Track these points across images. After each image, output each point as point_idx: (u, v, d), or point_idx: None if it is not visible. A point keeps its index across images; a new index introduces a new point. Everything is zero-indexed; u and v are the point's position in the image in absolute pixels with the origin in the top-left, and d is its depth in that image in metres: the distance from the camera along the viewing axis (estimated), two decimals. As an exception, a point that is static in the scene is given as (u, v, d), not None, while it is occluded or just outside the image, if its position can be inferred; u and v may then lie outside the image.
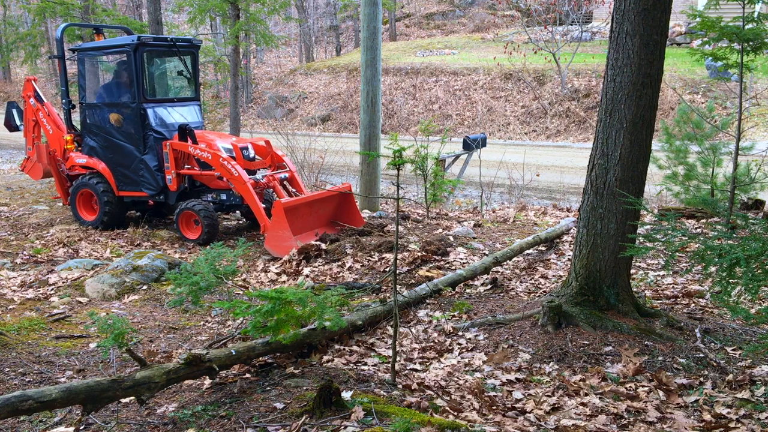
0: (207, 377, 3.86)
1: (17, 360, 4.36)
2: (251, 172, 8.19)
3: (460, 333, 4.65)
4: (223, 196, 8.38)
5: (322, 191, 8.51)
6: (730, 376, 3.79)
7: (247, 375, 4.05)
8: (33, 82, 9.51)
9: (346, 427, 3.06)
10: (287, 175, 8.34)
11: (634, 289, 4.95)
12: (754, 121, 16.03)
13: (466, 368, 4.13)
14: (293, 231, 7.20)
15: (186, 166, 8.37)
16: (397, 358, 4.14)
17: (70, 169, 9.11)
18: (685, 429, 3.31)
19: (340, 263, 6.60)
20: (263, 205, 7.74)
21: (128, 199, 8.75)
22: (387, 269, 6.31)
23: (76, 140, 9.07)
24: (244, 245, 5.05)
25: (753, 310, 4.45)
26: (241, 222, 9.38)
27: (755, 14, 6.51)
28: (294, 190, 8.31)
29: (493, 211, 9.70)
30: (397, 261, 5.65)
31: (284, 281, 6.45)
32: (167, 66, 9.19)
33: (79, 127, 9.12)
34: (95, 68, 9.07)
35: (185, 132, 8.22)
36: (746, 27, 6.25)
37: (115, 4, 31.75)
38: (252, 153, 8.34)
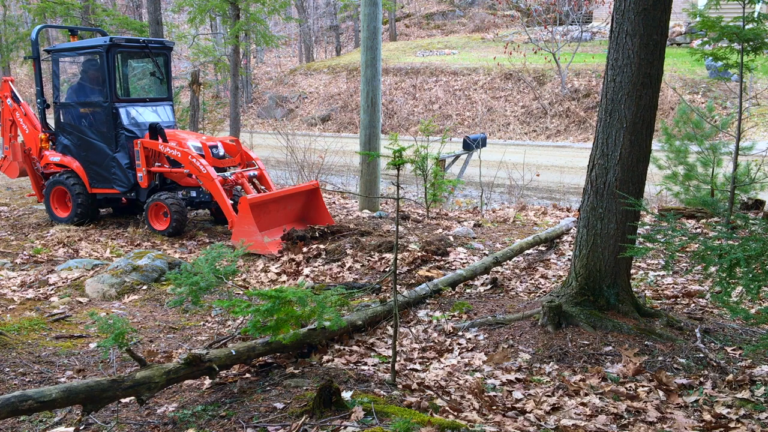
0: (207, 377, 3.85)
1: (17, 360, 4.36)
2: (221, 170, 8.32)
3: (460, 333, 4.65)
4: (193, 193, 8.67)
5: (288, 188, 8.70)
6: (730, 376, 3.79)
7: (247, 375, 4.05)
8: (10, 82, 9.62)
9: (346, 427, 3.06)
10: (256, 173, 8.59)
11: (634, 289, 4.95)
12: (754, 121, 16.03)
13: (466, 368, 4.13)
14: (260, 227, 7.36)
15: (156, 164, 8.55)
16: (397, 358, 4.14)
17: (44, 167, 9.24)
18: (685, 429, 3.31)
19: (340, 263, 6.60)
20: (231, 202, 7.92)
21: (101, 196, 8.95)
22: (387, 269, 6.31)
23: (50, 139, 9.27)
24: (245, 246, 5.06)
25: (753, 310, 4.45)
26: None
27: (755, 14, 6.51)
28: (263, 187, 8.56)
29: (493, 211, 9.70)
30: (397, 261, 5.65)
31: (284, 281, 6.45)
32: (140, 66, 9.38)
33: (53, 126, 9.26)
34: (69, 68, 9.34)
35: (156, 131, 8.41)
36: (746, 27, 6.25)
37: (115, 4, 31.76)
38: (221, 151, 8.54)
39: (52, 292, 6.11)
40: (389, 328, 4.79)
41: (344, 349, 4.45)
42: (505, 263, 6.29)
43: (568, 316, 4.42)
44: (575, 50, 20.67)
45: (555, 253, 6.72)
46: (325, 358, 4.31)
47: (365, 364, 4.22)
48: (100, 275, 6.24)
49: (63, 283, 6.32)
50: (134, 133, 8.56)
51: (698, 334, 4.30)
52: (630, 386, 3.76)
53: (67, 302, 5.82)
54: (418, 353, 4.41)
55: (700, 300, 5.14)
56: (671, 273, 5.84)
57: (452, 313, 5.04)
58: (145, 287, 6.20)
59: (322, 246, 6.99)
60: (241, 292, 5.32)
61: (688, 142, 8.01)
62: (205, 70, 26.64)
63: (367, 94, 9.45)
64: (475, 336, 4.57)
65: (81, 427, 3.50)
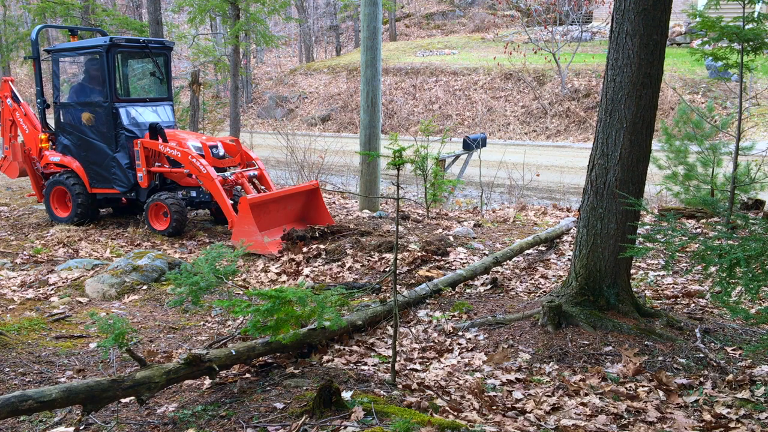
0: (207, 377, 3.85)
1: (17, 360, 4.36)
2: (221, 170, 8.33)
3: (460, 333, 4.65)
4: (193, 193, 8.68)
5: (288, 188, 8.70)
6: (730, 376, 3.79)
7: (247, 375, 4.05)
8: (10, 82, 9.62)
9: (346, 427, 3.06)
10: (257, 173, 8.61)
11: (634, 289, 4.95)
12: (754, 121, 16.03)
13: (466, 368, 4.13)
14: (260, 227, 7.38)
15: (156, 164, 8.56)
16: (397, 358, 4.14)
17: (44, 167, 9.25)
18: (685, 429, 3.31)
19: (340, 263, 6.60)
20: (231, 202, 7.94)
21: (101, 196, 8.96)
22: (387, 269, 6.31)
23: (50, 139, 9.27)
24: (245, 246, 5.07)
25: (753, 310, 4.45)
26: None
27: (755, 14, 6.51)
28: (263, 187, 8.58)
29: (493, 211, 9.70)
30: (397, 261, 5.65)
31: (284, 281, 6.45)
32: (140, 66, 9.39)
33: (53, 126, 9.26)
34: (69, 68, 9.38)
35: (156, 130, 8.42)
36: (746, 27, 6.25)
37: (115, 4, 31.76)
38: (221, 151, 8.56)
39: (52, 292, 6.11)
40: (389, 328, 4.79)
41: (344, 349, 4.45)
42: (505, 263, 6.29)
43: (568, 316, 4.42)
44: (575, 50, 20.67)
45: (555, 253, 6.72)
46: (325, 358, 4.31)
47: (365, 364, 4.22)
48: (100, 275, 6.24)
49: (63, 283, 6.32)
50: (134, 133, 8.57)
51: (698, 334, 4.30)
52: (630, 386, 3.76)
53: (67, 302, 5.82)
54: (418, 353, 4.41)
55: (700, 300, 5.14)
56: (671, 273, 5.84)
57: (452, 313, 5.04)
58: (145, 287, 6.20)
59: (322, 246, 6.99)
60: (241, 292, 5.32)
61: (688, 142, 8.02)
62: (205, 70, 26.64)
63: (367, 94, 9.45)
64: (475, 336, 4.57)
65: (81, 427, 3.50)
